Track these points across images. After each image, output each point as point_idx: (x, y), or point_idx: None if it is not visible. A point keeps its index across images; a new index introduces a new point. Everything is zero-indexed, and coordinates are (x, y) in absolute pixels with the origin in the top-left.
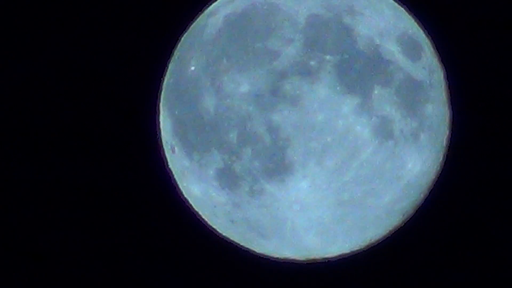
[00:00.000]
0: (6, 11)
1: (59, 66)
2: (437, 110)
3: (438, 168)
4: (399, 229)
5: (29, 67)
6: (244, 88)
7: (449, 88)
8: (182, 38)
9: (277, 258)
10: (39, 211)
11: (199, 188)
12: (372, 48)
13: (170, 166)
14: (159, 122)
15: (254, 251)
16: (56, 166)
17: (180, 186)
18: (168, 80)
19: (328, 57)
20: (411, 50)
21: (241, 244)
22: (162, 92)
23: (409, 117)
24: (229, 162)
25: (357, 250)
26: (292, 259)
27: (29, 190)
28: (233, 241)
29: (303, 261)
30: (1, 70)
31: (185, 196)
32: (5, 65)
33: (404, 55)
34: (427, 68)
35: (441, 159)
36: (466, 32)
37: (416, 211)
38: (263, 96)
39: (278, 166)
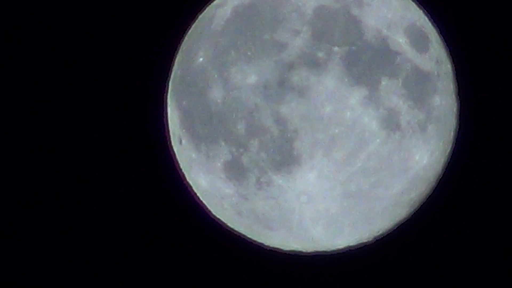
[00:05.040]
0: (25, 8)
1: (65, 63)
2: (444, 101)
3: (446, 160)
4: (406, 221)
5: (37, 61)
6: (252, 79)
7: (457, 79)
8: (190, 29)
9: (284, 250)
10: (49, 203)
11: (206, 180)
12: (380, 40)
13: (178, 157)
14: (166, 114)
15: (261, 243)
16: (61, 159)
17: (188, 178)
18: (175, 71)
19: (335, 48)
20: (419, 41)
21: (248, 236)
22: (170, 83)
23: (416, 109)
24: (237, 154)
25: (364, 242)
26: (299, 251)
27: (36, 183)
28: (240, 233)
29: (310, 253)
30: (20, 64)
31: (192, 188)
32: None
33: (412, 47)
34: (434, 59)
35: (448, 150)
36: (474, 23)
37: (424, 202)
38: (271, 87)
39: (285, 158)
